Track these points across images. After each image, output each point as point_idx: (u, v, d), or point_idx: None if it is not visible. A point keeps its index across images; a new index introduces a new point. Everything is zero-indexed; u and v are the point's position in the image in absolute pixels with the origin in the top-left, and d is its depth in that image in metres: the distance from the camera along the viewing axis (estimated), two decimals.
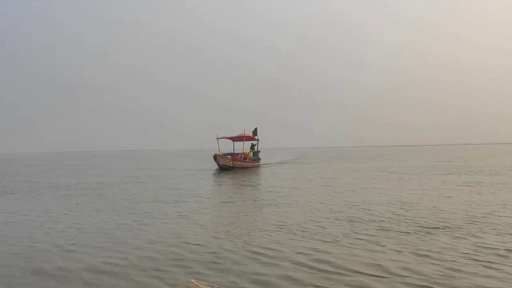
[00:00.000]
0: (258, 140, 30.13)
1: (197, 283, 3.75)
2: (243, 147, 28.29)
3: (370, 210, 8.47)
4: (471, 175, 17.61)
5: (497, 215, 7.55)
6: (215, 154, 25.82)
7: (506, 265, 4.55)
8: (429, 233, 6.22)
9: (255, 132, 29.60)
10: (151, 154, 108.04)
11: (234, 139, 29.14)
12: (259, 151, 30.85)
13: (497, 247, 5.26)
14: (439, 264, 4.61)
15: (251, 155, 29.36)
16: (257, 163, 29.66)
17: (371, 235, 6.15)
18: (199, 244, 5.78)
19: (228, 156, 26.49)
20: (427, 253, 5.06)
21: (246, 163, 27.35)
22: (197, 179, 18.45)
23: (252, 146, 30.64)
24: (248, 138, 28.60)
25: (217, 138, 27.93)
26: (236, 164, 26.16)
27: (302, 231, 6.56)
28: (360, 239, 5.91)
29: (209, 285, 3.84)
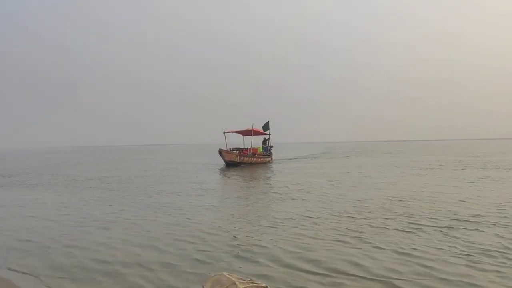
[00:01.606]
0: (269, 134, 29.77)
1: (229, 276, 3.87)
2: (252, 142, 28.01)
3: (372, 207, 8.54)
4: (494, 170, 17.63)
5: (498, 214, 7.53)
6: (220, 149, 25.45)
7: (493, 265, 4.60)
8: (436, 229, 6.34)
9: (266, 126, 29.16)
10: (153, 149, 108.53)
11: (243, 133, 28.74)
12: (271, 146, 30.41)
13: (487, 248, 5.28)
14: (419, 263, 4.72)
15: (261, 150, 28.92)
16: (268, 159, 29.20)
17: (364, 232, 6.29)
18: (204, 240, 6.01)
19: (236, 151, 26.20)
20: (416, 251, 5.17)
21: (255, 159, 26.92)
22: (202, 175, 18.63)
23: (264, 141, 30.16)
24: (256, 133, 28.23)
25: (224, 132, 27.39)
26: (244, 160, 25.77)
27: (300, 228, 6.72)
28: (355, 237, 6.04)
29: (241, 278, 3.96)
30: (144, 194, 11.67)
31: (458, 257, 4.90)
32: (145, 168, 25.13)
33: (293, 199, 10.05)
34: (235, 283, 3.71)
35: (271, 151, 30.52)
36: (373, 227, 6.63)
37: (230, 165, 25.02)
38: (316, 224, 6.95)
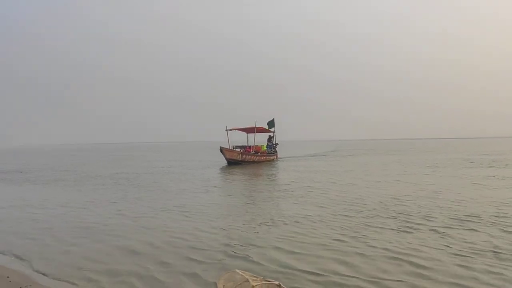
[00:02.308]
0: (274, 132, 29.28)
1: (242, 273, 3.99)
2: (254, 140, 27.57)
3: (370, 206, 8.69)
4: (502, 168, 17.77)
5: (495, 214, 7.58)
6: (221, 147, 25.03)
7: (485, 265, 4.68)
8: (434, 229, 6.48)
9: (271, 123, 28.65)
10: (156, 146, 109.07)
11: (247, 130, 28.23)
12: (276, 144, 29.86)
13: (481, 248, 5.33)
14: (411, 263, 4.80)
15: (265, 148, 28.42)
16: (272, 157, 28.61)
17: (360, 232, 6.41)
18: (200, 239, 6.16)
19: (237, 149, 25.73)
20: (410, 251, 5.26)
21: (258, 157, 26.47)
22: (202, 174, 18.47)
23: (270, 139, 29.63)
24: (259, 130, 27.84)
25: (227, 130, 26.91)
26: (246, 158, 25.20)
27: (296, 227, 6.86)
28: (350, 236, 6.15)
29: (254, 276, 4.07)
30: (148, 191, 12.05)
31: (451, 257, 5.01)
32: (149, 165, 25.36)
33: (292, 197, 10.30)
34: (248, 280, 3.83)
35: (276, 149, 29.96)
36: (368, 226, 6.78)
37: (232, 163, 24.50)
38: (313, 223, 7.14)
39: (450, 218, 7.29)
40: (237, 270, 4.23)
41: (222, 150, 24.79)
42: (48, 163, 30.63)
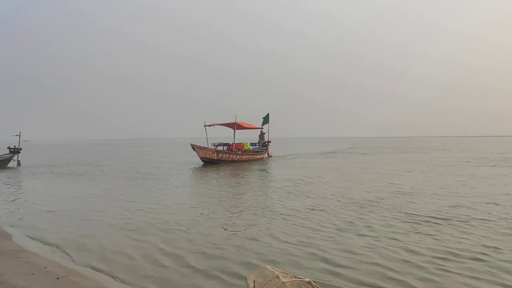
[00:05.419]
0: (262, 128, 28.77)
1: (272, 270, 4.45)
2: (234, 136, 26.41)
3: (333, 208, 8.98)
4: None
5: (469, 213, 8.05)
6: (191, 144, 23.57)
7: (447, 268, 4.93)
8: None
9: (266, 118, 28.25)
10: (155, 142, 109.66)
11: (228, 126, 27.03)
12: (268, 142, 29.32)
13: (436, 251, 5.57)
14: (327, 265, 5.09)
15: (248, 145, 27.46)
16: (259, 156, 27.56)
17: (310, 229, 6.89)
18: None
19: (213, 148, 24.38)
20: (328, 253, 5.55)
21: (239, 156, 25.05)
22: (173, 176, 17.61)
23: (261, 135, 29.05)
24: (240, 126, 26.70)
25: (205, 126, 25.89)
26: (223, 157, 23.89)
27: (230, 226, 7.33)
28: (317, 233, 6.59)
29: (284, 272, 4.55)
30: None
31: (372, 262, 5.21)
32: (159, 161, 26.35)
33: (247, 199, 10.82)
34: (278, 277, 4.25)
35: (268, 146, 29.34)
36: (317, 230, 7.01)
37: (207, 162, 22.99)
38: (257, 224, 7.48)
39: (404, 220, 7.52)
40: (267, 267, 4.61)
41: (194, 147, 23.26)
42: (74, 158, 33.53)
